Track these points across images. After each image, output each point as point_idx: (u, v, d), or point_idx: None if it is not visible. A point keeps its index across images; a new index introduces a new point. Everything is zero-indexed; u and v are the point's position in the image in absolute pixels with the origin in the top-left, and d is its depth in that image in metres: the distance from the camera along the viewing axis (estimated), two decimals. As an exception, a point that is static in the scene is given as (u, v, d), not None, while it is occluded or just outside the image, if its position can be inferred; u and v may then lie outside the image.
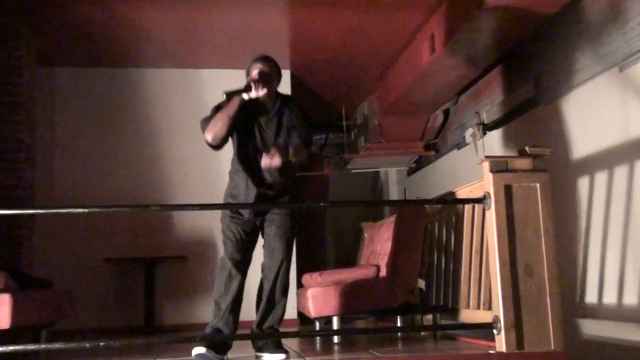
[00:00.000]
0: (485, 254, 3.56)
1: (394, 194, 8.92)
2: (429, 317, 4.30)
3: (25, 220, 5.00)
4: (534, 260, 3.13)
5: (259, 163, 3.33)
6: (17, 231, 4.92)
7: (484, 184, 3.24)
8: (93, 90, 6.26)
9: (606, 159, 4.03)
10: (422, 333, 4.35)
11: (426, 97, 6.30)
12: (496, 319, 3.08)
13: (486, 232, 3.32)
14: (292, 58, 6.23)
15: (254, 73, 3.38)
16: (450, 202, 4.09)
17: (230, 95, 3.26)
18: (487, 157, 3.26)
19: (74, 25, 5.36)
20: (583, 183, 4.26)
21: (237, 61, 5.48)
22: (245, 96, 3.27)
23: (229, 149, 3.54)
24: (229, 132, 3.34)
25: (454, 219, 4.09)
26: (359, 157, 7.41)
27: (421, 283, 4.36)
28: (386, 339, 4.19)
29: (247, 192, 3.38)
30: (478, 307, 3.64)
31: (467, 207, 3.83)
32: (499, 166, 3.21)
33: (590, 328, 4.08)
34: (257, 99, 3.35)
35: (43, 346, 3.28)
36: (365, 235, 5.47)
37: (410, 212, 4.15)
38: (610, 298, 3.95)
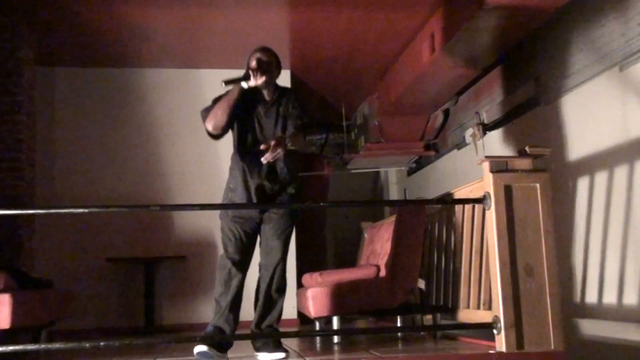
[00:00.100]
0: (485, 254, 3.56)
1: (394, 194, 8.92)
2: (429, 317, 4.30)
3: (25, 220, 5.00)
4: (534, 260, 3.13)
5: (258, 153, 3.35)
6: (17, 231, 4.92)
7: (484, 184, 3.24)
8: (93, 90, 6.25)
9: (606, 159, 4.02)
10: (422, 333, 4.35)
11: (426, 97, 6.30)
12: (496, 319, 3.08)
13: (486, 232, 3.32)
14: (292, 58, 6.22)
15: (253, 62, 3.38)
16: (450, 202, 4.09)
17: (228, 83, 3.26)
18: (487, 157, 3.26)
19: (74, 25, 5.36)
20: (583, 183, 4.26)
21: (237, 61, 5.46)
22: (244, 85, 3.27)
23: (229, 148, 3.55)
24: (230, 121, 3.35)
25: (454, 219, 4.09)
26: (359, 157, 7.41)
27: (421, 283, 4.36)
28: (386, 339, 4.19)
29: (247, 186, 3.39)
30: (478, 307, 3.64)
31: (467, 207, 3.83)
32: (499, 166, 3.21)
33: (590, 328, 4.08)
34: (256, 89, 3.36)
35: (43, 346, 3.29)
36: (365, 235, 5.47)
37: (410, 212, 4.15)
38: (610, 298, 3.95)
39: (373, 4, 5.09)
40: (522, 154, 3.25)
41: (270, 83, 3.42)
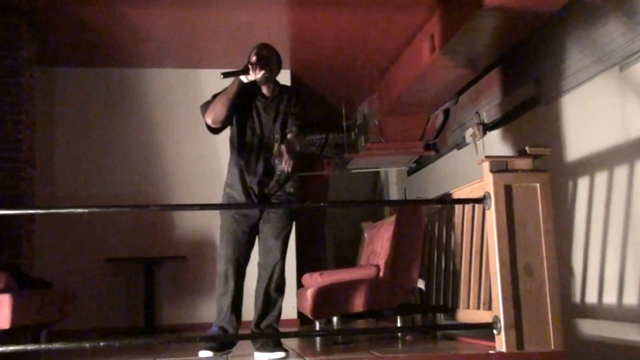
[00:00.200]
0: (485, 254, 3.56)
1: (394, 194, 8.92)
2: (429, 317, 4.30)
3: (25, 220, 5.00)
4: (534, 260, 3.13)
5: (256, 148, 3.38)
6: (17, 231, 4.92)
7: (484, 184, 3.24)
8: (93, 90, 6.25)
9: (606, 159, 4.02)
10: (422, 333, 4.34)
11: (426, 97, 6.30)
12: (496, 319, 3.08)
13: (486, 232, 3.32)
14: (292, 58, 6.22)
15: (253, 57, 3.38)
16: (450, 202, 4.09)
17: (228, 75, 3.26)
18: (487, 157, 3.27)
19: (73, 25, 5.36)
20: (583, 183, 4.26)
21: (237, 61, 5.45)
22: (243, 79, 3.28)
23: (229, 148, 3.55)
24: (229, 115, 3.35)
25: (454, 219, 4.09)
26: (359, 157, 7.41)
27: (421, 283, 4.36)
28: (386, 338, 4.19)
29: (245, 183, 3.40)
30: (478, 307, 3.64)
31: (467, 207, 3.83)
32: (499, 166, 3.22)
33: (590, 328, 4.08)
34: (256, 85, 3.37)
35: (43, 346, 3.29)
36: (365, 235, 5.47)
37: (410, 212, 4.15)
38: (610, 298, 3.95)
39: (373, 4, 5.09)
40: (522, 154, 3.25)
41: (270, 79, 3.42)
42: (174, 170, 6.22)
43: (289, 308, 5.27)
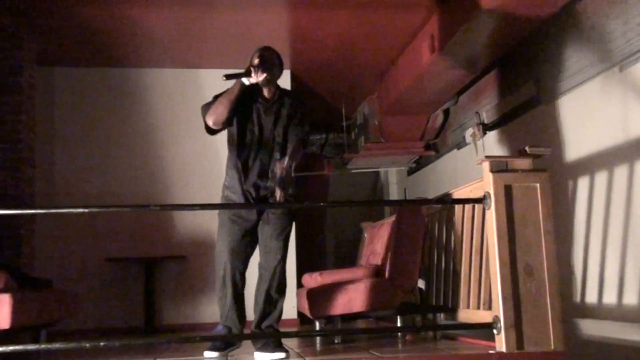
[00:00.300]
0: (485, 254, 3.57)
1: (394, 194, 8.92)
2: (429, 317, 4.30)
3: (25, 220, 5.00)
4: (534, 260, 3.13)
5: (255, 150, 3.40)
6: (17, 231, 4.92)
7: (484, 184, 3.24)
8: (93, 90, 6.26)
9: (606, 159, 4.02)
10: (422, 333, 4.34)
11: (426, 97, 6.30)
12: (496, 319, 3.08)
13: (486, 232, 3.32)
14: (292, 58, 6.22)
15: (255, 59, 3.39)
16: (450, 202, 4.09)
17: (230, 77, 3.26)
18: (487, 157, 3.27)
19: (73, 25, 5.36)
20: (583, 183, 4.26)
21: (237, 61, 5.47)
22: (245, 81, 3.28)
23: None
24: (230, 117, 3.36)
25: (454, 219, 4.09)
26: (359, 157, 7.41)
27: (421, 283, 4.36)
28: (386, 338, 4.19)
29: (242, 185, 3.41)
30: (478, 307, 3.64)
31: (467, 207, 3.83)
32: (499, 166, 3.22)
33: (590, 328, 4.08)
34: (257, 87, 3.37)
35: (43, 346, 3.28)
36: (365, 235, 5.47)
37: (410, 212, 4.15)
38: (610, 298, 3.95)
39: (373, 4, 5.09)
40: (522, 154, 3.25)
41: (272, 81, 3.43)
42: (174, 170, 6.22)
43: (289, 308, 5.27)
